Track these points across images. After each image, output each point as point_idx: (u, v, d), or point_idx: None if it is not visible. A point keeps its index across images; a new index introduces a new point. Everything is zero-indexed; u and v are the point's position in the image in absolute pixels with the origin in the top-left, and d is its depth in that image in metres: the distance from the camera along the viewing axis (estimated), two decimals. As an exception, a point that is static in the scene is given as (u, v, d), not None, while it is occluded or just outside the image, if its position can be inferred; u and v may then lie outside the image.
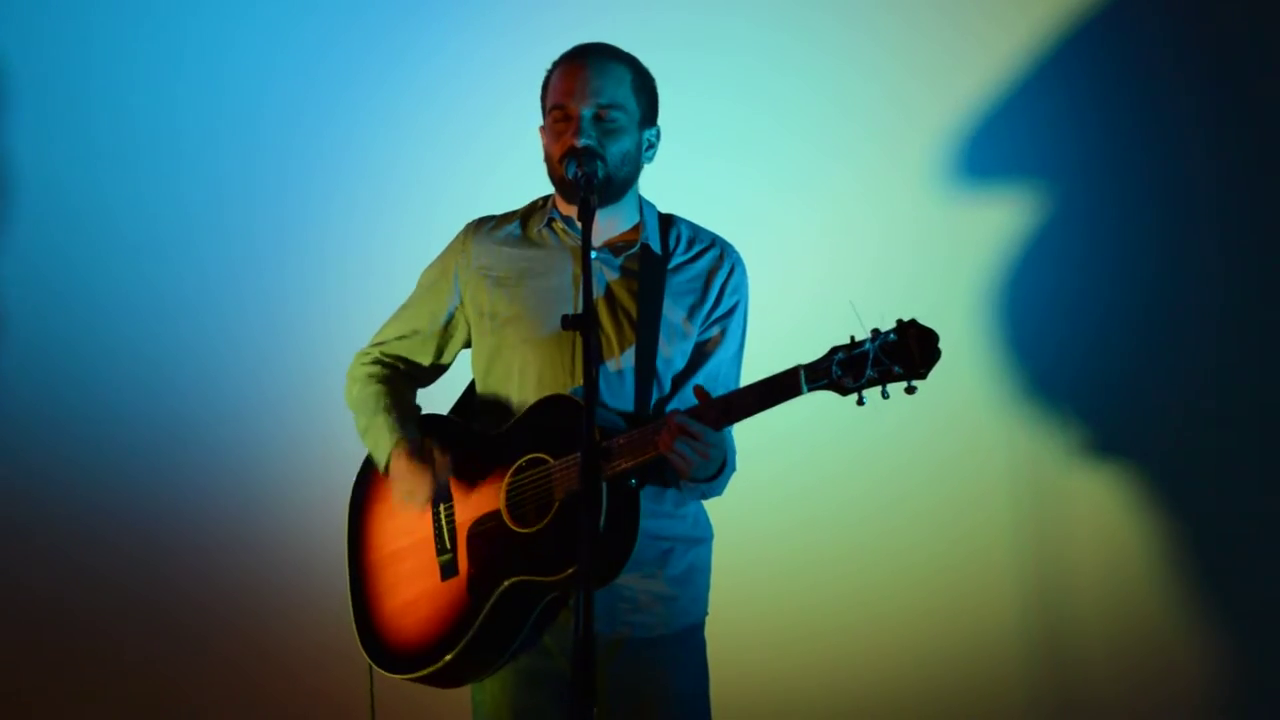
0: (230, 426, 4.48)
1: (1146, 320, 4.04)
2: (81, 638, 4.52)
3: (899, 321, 2.78)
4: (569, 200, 3.16)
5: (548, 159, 3.16)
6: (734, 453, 3.12)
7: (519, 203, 3.34)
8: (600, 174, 3.07)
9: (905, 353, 2.75)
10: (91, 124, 4.49)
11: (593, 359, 2.77)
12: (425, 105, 4.39)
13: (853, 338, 2.81)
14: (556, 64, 3.18)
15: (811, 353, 2.85)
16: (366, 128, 4.43)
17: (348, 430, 3.37)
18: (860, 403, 2.81)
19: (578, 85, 3.11)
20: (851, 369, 2.79)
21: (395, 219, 4.41)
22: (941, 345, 2.77)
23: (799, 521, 4.18)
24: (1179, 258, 4.02)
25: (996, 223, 4.09)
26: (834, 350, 2.82)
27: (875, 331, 2.79)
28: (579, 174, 3.03)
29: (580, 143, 3.08)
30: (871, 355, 2.77)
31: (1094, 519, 4.04)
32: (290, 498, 4.45)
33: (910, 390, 2.77)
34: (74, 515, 4.49)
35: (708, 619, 3.23)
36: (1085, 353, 4.06)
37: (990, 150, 4.10)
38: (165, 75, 4.48)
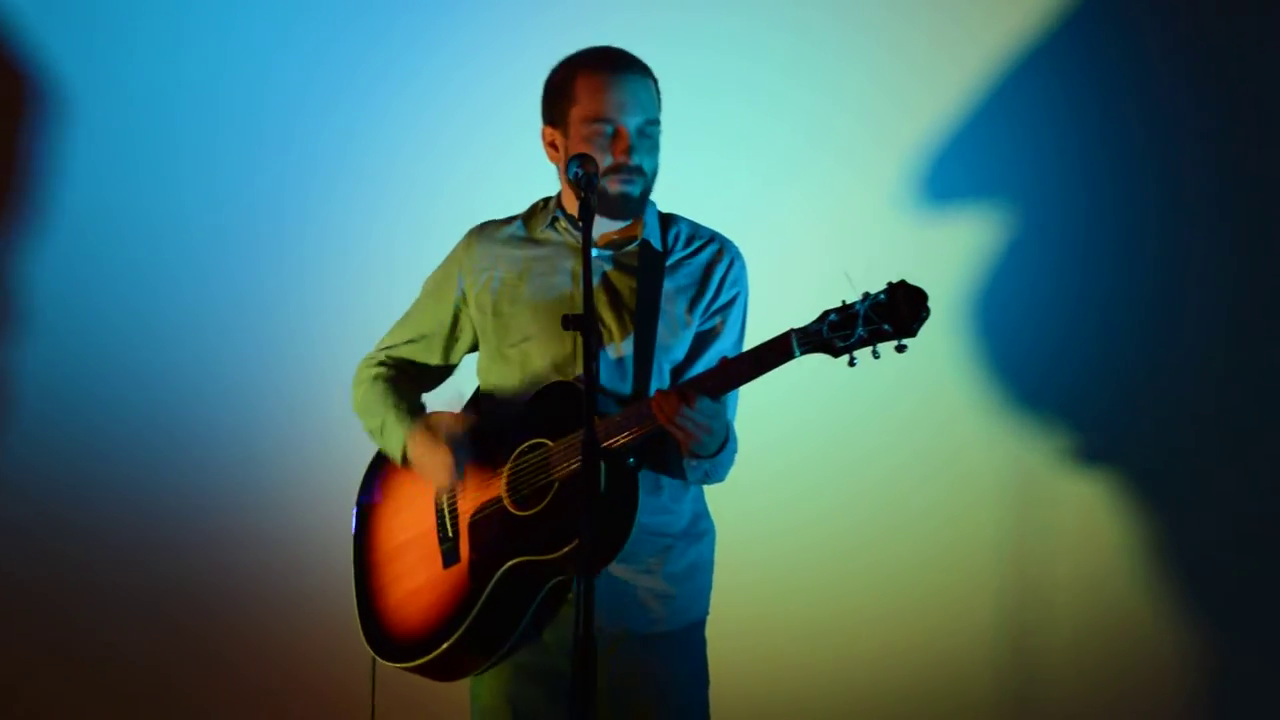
0: (229, 426, 4.49)
1: (1143, 323, 4.02)
2: (81, 637, 4.52)
3: (889, 283, 2.80)
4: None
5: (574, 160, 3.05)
6: (734, 435, 3.11)
7: (518, 202, 3.36)
8: (639, 191, 3.10)
9: (895, 311, 2.77)
10: (93, 125, 4.52)
11: (593, 359, 2.79)
12: (424, 104, 4.43)
13: (844, 301, 2.83)
14: (585, 69, 3.11)
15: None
16: (366, 127, 4.46)
17: (348, 430, 3.39)
18: (852, 363, 2.82)
19: (627, 99, 3.08)
20: (841, 329, 2.81)
21: (394, 218, 4.43)
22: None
23: (795, 523, 4.16)
24: (1177, 259, 4.01)
25: (994, 222, 4.08)
26: (826, 313, 2.84)
27: (865, 294, 2.81)
28: (579, 174, 3.02)
29: (634, 161, 3.08)
30: (861, 315, 2.79)
31: (1086, 525, 4.01)
32: (291, 497, 4.45)
33: (900, 349, 2.78)
34: (74, 514, 4.51)
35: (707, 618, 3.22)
36: (1081, 355, 4.04)
37: (988, 148, 4.11)
38: (163, 75, 4.52)
